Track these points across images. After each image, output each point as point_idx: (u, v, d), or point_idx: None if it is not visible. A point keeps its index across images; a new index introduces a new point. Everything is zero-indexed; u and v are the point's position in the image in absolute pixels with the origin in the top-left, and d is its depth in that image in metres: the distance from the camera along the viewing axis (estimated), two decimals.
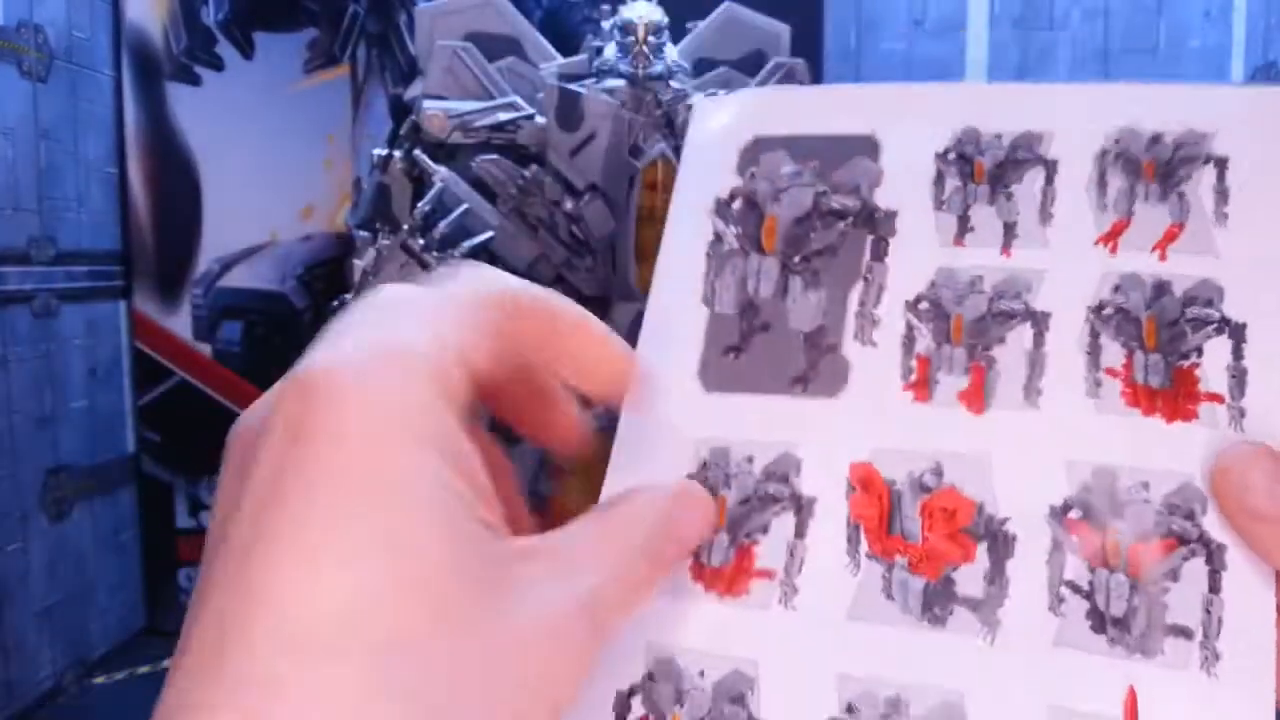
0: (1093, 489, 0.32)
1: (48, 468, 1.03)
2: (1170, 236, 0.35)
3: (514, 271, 0.31)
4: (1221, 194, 0.35)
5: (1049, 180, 0.36)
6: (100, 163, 1.23)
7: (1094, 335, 0.33)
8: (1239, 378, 0.32)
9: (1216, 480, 0.31)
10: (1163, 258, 0.35)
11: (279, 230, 1.14)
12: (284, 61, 1.14)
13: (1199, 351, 0.33)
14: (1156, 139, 0.36)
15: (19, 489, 0.96)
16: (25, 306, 1.12)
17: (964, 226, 0.35)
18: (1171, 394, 0.32)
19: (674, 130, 0.82)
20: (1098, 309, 0.34)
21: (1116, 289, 0.34)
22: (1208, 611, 0.30)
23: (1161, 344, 0.34)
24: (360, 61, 1.13)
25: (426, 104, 0.82)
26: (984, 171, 0.36)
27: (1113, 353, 0.33)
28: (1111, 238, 0.35)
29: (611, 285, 0.82)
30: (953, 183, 0.36)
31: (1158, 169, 0.36)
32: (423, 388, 0.26)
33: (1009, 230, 0.36)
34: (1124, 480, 0.32)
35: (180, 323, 1.28)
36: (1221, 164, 0.35)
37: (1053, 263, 0.35)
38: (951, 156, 0.37)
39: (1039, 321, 0.34)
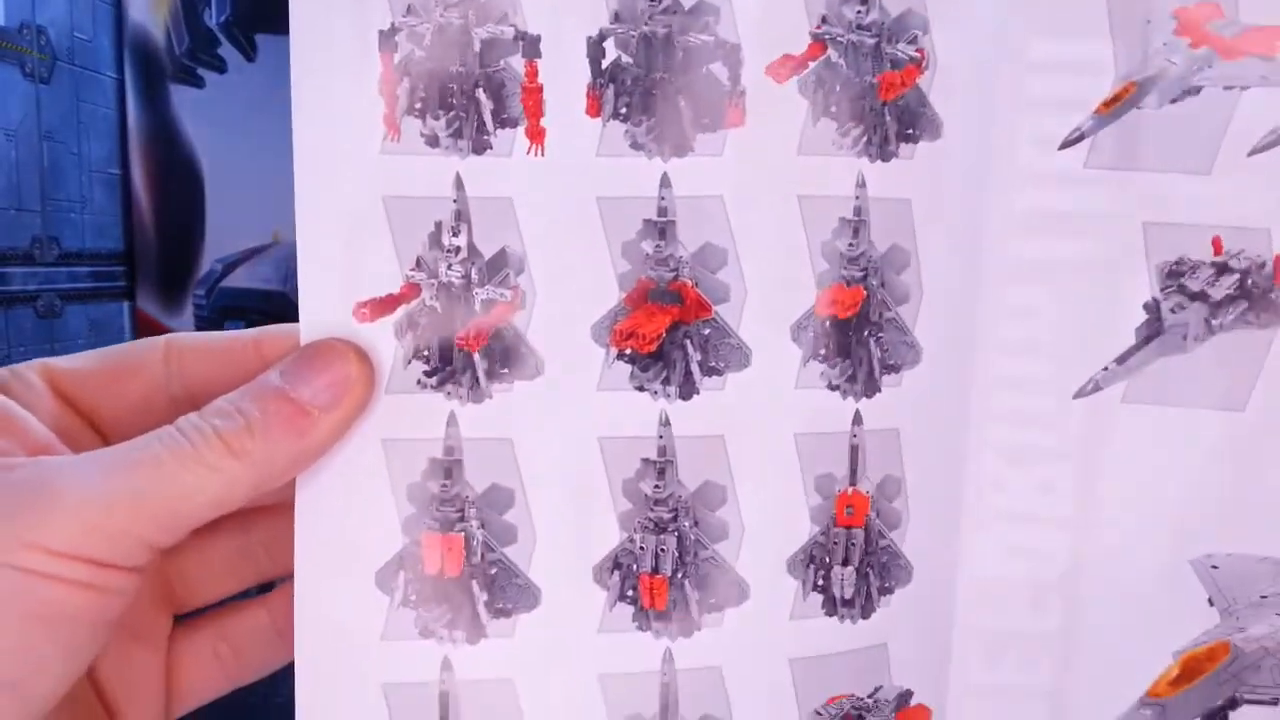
0: None
1: None
2: None
3: None
4: None
5: None
6: (103, 164, 1.16)
7: None
8: None
9: None
10: None
11: (282, 231, 1.07)
12: (286, 63, 1.08)
13: None
14: None
15: None
16: (29, 307, 1.05)
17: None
18: None
19: None
20: None
21: None
22: None
23: None
24: None
25: None
26: None
27: None
28: None
29: None
30: None
31: None
32: None
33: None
34: None
35: (183, 323, 1.20)
36: None
37: None
38: None
39: None
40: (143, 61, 1.15)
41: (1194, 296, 0.34)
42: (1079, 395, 0.35)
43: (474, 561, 0.32)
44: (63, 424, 0.31)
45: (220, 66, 1.14)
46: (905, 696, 0.35)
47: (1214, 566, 0.35)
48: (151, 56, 1.15)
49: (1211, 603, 0.35)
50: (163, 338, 0.34)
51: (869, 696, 0.35)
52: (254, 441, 0.29)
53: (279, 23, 1.21)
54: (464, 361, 0.32)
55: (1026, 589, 0.36)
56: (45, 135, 1.07)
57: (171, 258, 1.17)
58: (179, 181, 1.15)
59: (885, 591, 0.35)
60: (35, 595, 0.27)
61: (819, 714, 0.34)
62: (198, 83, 1.14)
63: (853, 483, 0.34)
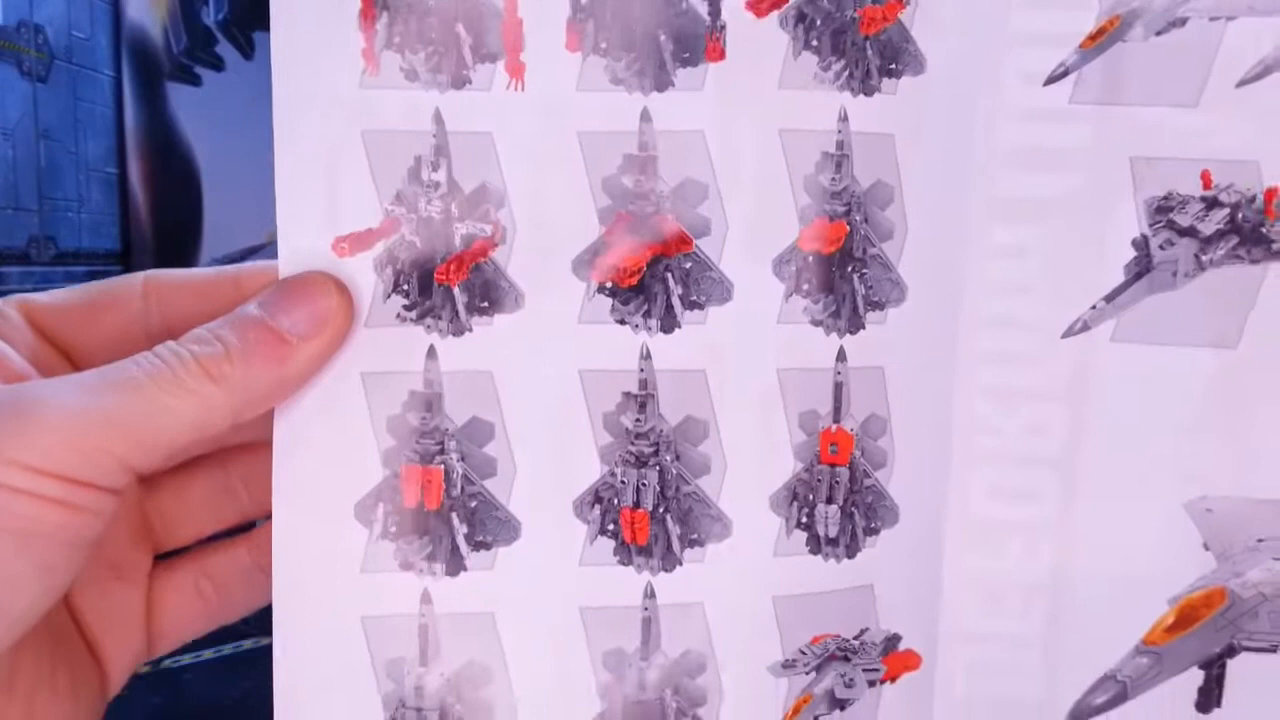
0: None
1: None
2: None
3: None
4: None
5: None
6: (100, 162, 1.15)
7: None
8: None
9: None
10: None
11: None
12: None
13: None
14: None
15: None
16: None
17: None
18: None
19: None
20: None
21: None
22: None
23: None
24: None
25: None
26: None
27: None
28: None
29: None
30: None
31: None
32: None
33: None
34: None
35: None
36: None
37: None
38: None
39: None
40: (140, 60, 1.15)
41: (1183, 232, 0.34)
42: (1067, 335, 0.35)
43: (453, 494, 0.32)
44: (40, 357, 0.32)
45: (218, 65, 1.14)
46: (893, 640, 0.35)
47: (1208, 510, 0.35)
48: (149, 55, 1.15)
49: (1207, 547, 0.35)
50: (141, 274, 0.34)
51: (855, 638, 0.35)
52: (232, 367, 0.29)
53: None
54: (444, 296, 0.32)
55: (1017, 533, 0.36)
56: (42, 134, 1.07)
57: (168, 257, 1.17)
58: (176, 180, 1.15)
59: (871, 532, 0.35)
60: (11, 511, 0.27)
61: (803, 653, 0.34)
62: (195, 81, 1.14)
63: (836, 420, 0.34)
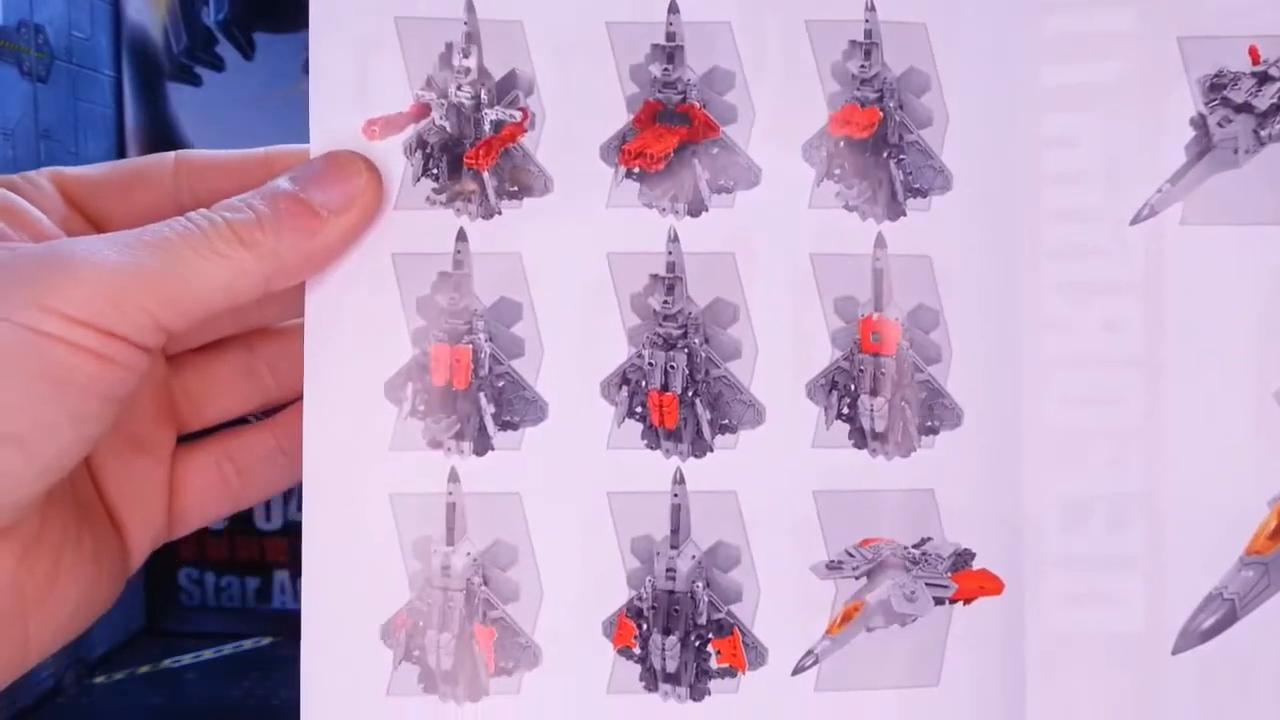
0: None
1: None
2: None
3: None
4: None
5: None
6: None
7: None
8: None
9: None
10: None
11: None
12: (284, 62, 1.09)
13: None
14: None
15: None
16: None
17: None
18: None
19: None
20: None
21: None
22: None
23: None
24: None
25: None
26: None
27: None
28: None
29: None
30: None
31: None
32: None
33: None
34: None
35: None
36: None
37: None
38: None
39: None
40: (141, 60, 1.16)
41: (1239, 109, 0.35)
42: (1135, 221, 0.36)
43: (481, 374, 0.33)
44: (71, 226, 0.33)
45: (218, 65, 1.15)
46: (964, 556, 0.35)
47: None
48: (149, 55, 1.17)
49: None
50: (173, 153, 0.34)
51: (915, 547, 0.34)
52: (264, 234, 0.30)
53: (278, 21, 1.22)
54: (473, 180, 0.33)
55: (1103, 441, 0.35)
56: (43, 134, 1.07)
57: None
58: None
59: (928, 431, 0.35)
60: (47, 357, 0.28)
61: (850, 555, 0.34)
62: (195, 81, 1.15)
63: (878, 308, 0.34)
